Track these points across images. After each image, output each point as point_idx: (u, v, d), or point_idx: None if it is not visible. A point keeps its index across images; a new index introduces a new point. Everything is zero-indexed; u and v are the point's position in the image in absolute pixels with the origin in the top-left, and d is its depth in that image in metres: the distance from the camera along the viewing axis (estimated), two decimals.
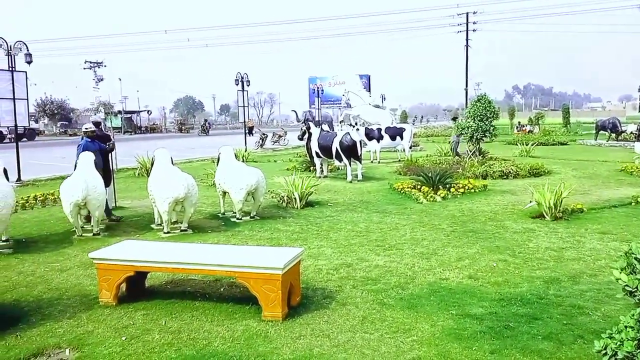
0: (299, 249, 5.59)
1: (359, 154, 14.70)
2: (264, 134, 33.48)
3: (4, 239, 7.99)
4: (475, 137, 17.45)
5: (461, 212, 9.90)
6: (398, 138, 20.70)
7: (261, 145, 31.69)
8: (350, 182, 14.46)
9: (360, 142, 14.91)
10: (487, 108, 17.34)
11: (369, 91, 40.10)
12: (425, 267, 6.50)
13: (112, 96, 75.93)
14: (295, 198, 10.75)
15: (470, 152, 17.64)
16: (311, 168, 16.81)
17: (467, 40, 50.59)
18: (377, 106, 32.35)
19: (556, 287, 5.72)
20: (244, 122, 28.74)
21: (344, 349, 4.32)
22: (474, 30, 51.27)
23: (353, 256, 7.04)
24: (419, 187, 12.06)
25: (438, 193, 11.49)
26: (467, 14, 50.89)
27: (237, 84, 26.88)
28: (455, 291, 5.63)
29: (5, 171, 8.32)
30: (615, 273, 2.97)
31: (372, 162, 20.21)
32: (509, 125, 43.75)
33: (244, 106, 27.61)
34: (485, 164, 15.88)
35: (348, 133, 14.98)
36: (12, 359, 4.29)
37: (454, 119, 21.62)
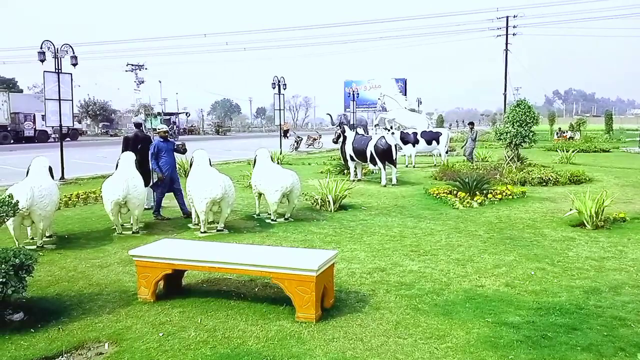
0: (333, 252, 5.60)
1: (394, 158, 14.63)
2: (298, 137, 33.72)
3: (48, 234, 8.29)
4: (514, 142, 17.10)
5: (498, 219, 9.73)
6: (434, 142, 20.51)
7: (296, 148, 31.92)
8: (385, 186, 14.39)
9: (395, 146, 14.83)
10: (527, 113, 16.95)
11: (405, 95, 39.80)
12: (461, 274, 6.41)
13: (152, 98, 77.98)
14: (329, 201, 10.77)
15: (509, 158, 17.29)
16: (345, 171, 16.82)
17: (506, 44, 49.56)
18: (413, 110, 32.05)
19: (596, 297, 5.56)
20: (280, 125, 28.98)
21: (377, 353, 4.30)
22: (514, 34, 50.15)
23: (387, 260, 7.00)
24: (455, 192, 11.91)
25: (475, 199, 11.32)
26: (507, 17, 49.91)
27: (273, 87, 27.17)
28: (492, 299, 5.53)
29: (50, 169, 8.64)
30: None
31: (407, 166, 20.08)
32: (549, 132, 42.74)
33: (280, 109, 27.86)
34: (524, 170, 15.57)
35: (383, 137, 14.93)
36: (55, 350, 4.43)
37: (471, 124, 21.14)
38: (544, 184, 14.15)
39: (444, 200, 11.60)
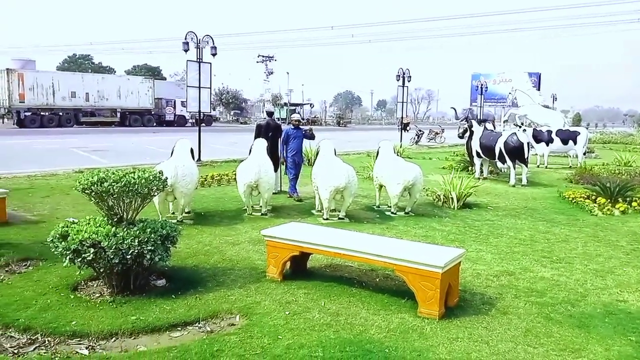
0: (460, 250, 5.44)
1: (526, 157, 13.81)
2: (419, 131, 33.13)
3: (187, 210, 9.01)
4: None
5: None
6: (571, 142, 19.04)
7: (416, 142, 31.42)
8: (513, 186, 13.66)
9: (527, 144, 13.99)
10: None
11: (539, 90, 37.27)
12: (600, 286, 5.90)
13: (280, 89, 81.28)
14: (452, 198, 10.47)
15: None
16: (470, 168, 16.22)
17: None
18: (547, 107, 29.94)
19: None
20: (402, 118, 28.61)
21: (505, 359, 4.11)
22: None
23: (515, 265, 6.65)
24: (593, 197, 10.98)
25: (616, 206, 10.33)
26: None
27: (397, 80, 26.87)
28: (636, 316, 5.03)
29: (191, 151, 9.37)
30: None
31: (538, 166, 18.87)
32: None
33: (402, 102, 27.49)
34: None
35: (515, 133, 14.14)
36: (192, 317, 4.81)
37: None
38: None
39: (581, 206, 10.73)
